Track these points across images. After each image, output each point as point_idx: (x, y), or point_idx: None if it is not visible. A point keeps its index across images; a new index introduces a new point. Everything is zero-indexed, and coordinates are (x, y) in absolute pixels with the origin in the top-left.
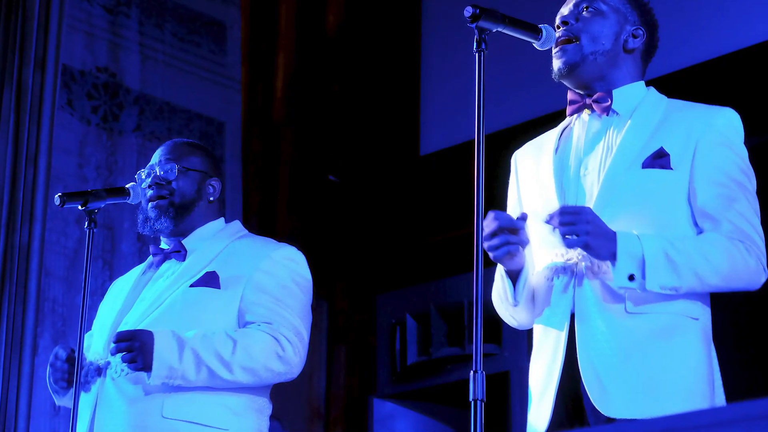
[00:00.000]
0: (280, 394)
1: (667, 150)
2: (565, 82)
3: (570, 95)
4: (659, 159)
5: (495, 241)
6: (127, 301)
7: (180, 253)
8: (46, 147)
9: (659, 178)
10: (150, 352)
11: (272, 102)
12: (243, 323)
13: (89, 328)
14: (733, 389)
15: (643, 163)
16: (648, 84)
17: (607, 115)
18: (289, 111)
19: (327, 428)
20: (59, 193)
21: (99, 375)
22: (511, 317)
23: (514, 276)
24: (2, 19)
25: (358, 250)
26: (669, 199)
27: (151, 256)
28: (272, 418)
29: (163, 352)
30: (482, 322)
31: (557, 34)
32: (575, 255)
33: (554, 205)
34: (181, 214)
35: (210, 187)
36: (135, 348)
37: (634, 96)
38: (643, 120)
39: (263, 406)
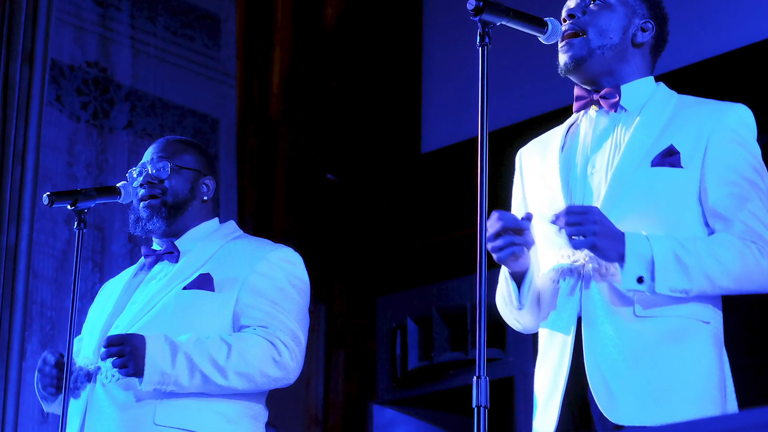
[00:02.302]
0: (277, 400)
1: (678, 148)
2: (571, 78)
3: (576, 91)
4: (669, 157)
5: (499, 242)
6: (118, 304)
7: (173, 254)
8: (34, 144)
9: (669, 176)
10: (142, 356)
11: (268, 98)
12: (238, 327)
13: (79, 332)
14: (745, 395)
15: (652, 162)
16: (658, 79)
17: (615, 111)
18: (285, 107)
19: None
20: (48, 193)
21: (89, 380)
22: (515, 321)
23: (518, 278)
24: None
25: (358, 251)
26: (679, 199)
27: (142, 257)
28: (268, 425)
29: (155, 356)
30: (486, 326)
31: (563, 28)
32: (582, 256)
33: (560, 205)
34: (174, 214)
35: (204, 186)
36: (126, 353)
37: (643, 92)
38: (653, 116)
39: (259, 412)
